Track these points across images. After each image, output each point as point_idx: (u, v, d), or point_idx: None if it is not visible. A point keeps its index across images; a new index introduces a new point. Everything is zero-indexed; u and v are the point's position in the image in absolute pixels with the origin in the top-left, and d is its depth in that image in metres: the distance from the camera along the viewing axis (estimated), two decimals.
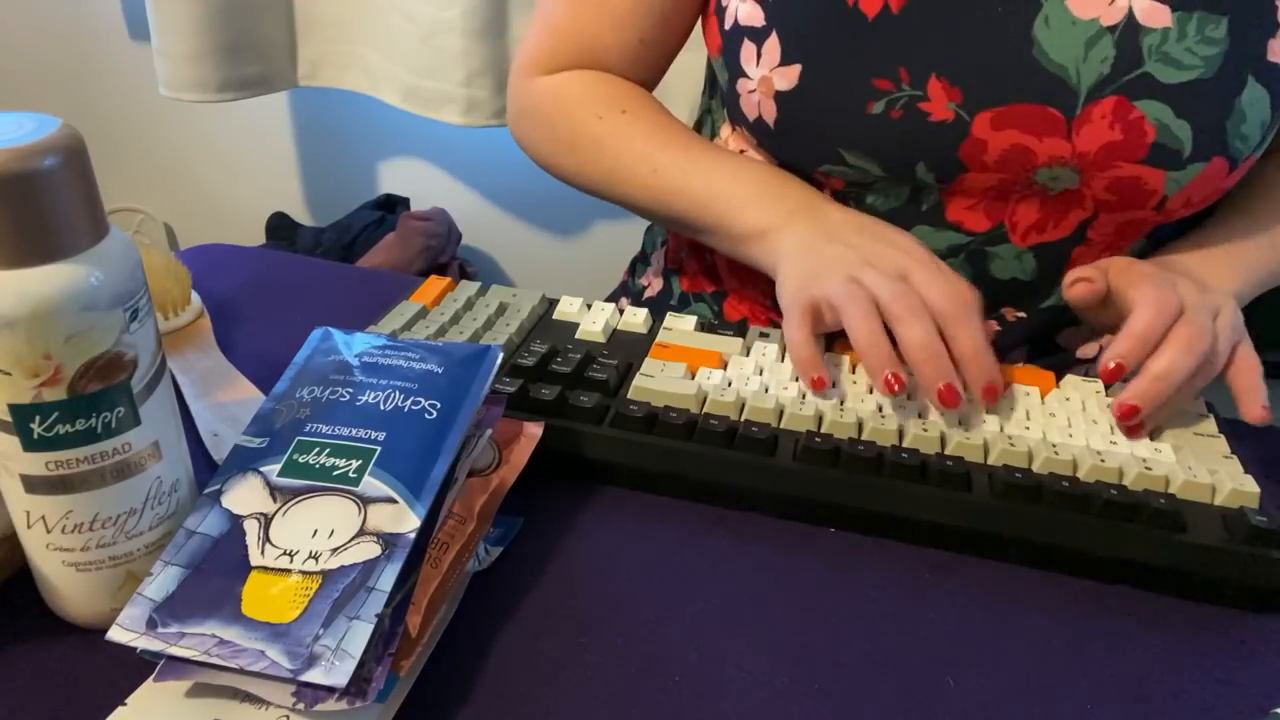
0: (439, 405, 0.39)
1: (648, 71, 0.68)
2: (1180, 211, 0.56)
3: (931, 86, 0.54)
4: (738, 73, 0.60)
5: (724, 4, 0.61)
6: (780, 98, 0.57)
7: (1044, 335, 0.64)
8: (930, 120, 0.54)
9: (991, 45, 0.53)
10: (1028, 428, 0.48)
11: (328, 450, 0.37)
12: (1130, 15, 0.52)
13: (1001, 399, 0.50)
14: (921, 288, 0.49)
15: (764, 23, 0.57)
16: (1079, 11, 0.52)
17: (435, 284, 0.58)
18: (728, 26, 0.60)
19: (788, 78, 0.56)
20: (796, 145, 0.59)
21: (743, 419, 0.47)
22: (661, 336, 0.54)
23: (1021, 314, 0.62)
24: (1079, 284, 0.53)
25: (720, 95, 0.67)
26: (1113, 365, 0.48)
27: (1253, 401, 0.48)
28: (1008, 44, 0.53)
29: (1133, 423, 0.47)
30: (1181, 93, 0.52)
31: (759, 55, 0.58)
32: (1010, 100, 0.53)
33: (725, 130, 0.68)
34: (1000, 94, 0.53)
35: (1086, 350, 0.66)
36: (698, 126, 0.75)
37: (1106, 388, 0.51)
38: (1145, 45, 0.52)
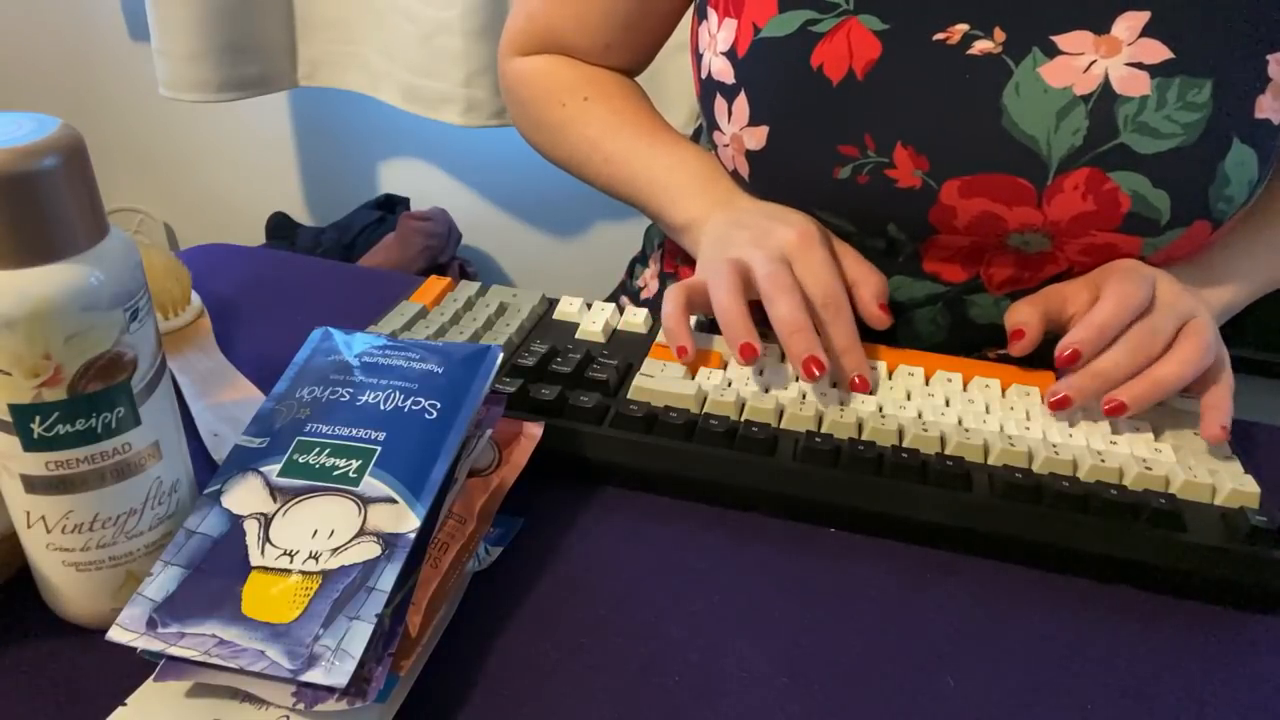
0: (439, 405, 0.39)
1: (622, 64, 0.70)
2: (1161, 265, 0.54)
3: (898, 154, 0.52)
4: (713, 124, 0.60)
5: (701, 50, 0.61)
6: (750, 156, 0.57)
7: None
8: (897, 187, 0.53)
9: (959, 113, 0.51)
10: (1028, 428, 0.47)
11: (328, 450, 0.37)
12: (1106, 83, 0.49)
13: (1002, 399, 0.50)
14: (800, 276, 0.51)
15: (734, 80, 0.57)
16: (1052, 80, 0.50)
17: (435, 284, 0.58)
18: (704, 76, 0.60)
19: (756, 138, 0.56)
20: (771, 200, 0.59)
21: (743, 419, 0.47)
22: (661, 336, 0.54)
23: (1003, 351, 0.61)
24: (1019, 344, 0.52)
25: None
26: (1068, 352, 0.48)
27: (1213, 420, 0.47)
28: (976, 112, 0.51)
29: (1063, 413, 0.48)
30: (1159, 162, 0.49)
31: (730, 113, 0.57)
32: (978, 170, 0.51)
33: None
34: (968, 163, 0.52)
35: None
36: (696, 134, 0.75)
37: (1058, 373, 0.52)
38: (1121, 115, 0.49)
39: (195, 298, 0.57)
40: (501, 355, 0.43)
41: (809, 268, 0.51)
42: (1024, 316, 0.52)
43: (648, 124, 0.65)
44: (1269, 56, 0.50)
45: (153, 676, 0.32)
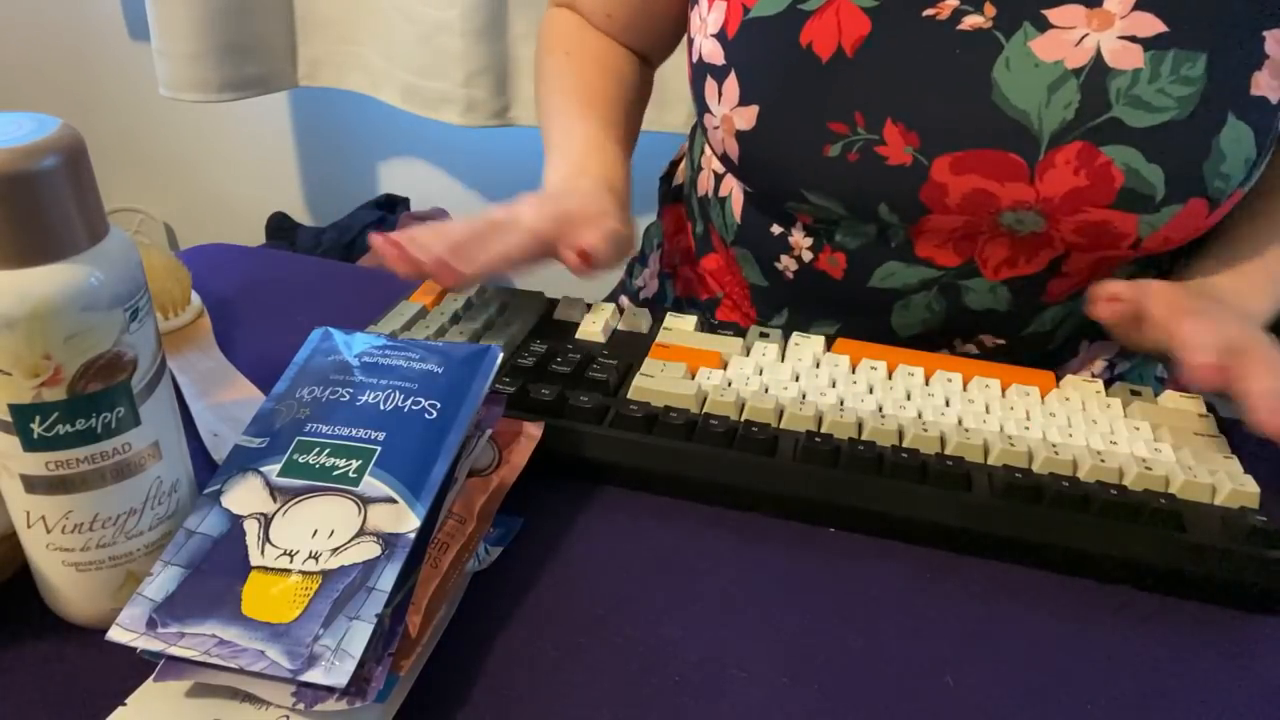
0: (439, 405, 0.39)
1: (627, 41, 0.70)
2: (1159, 249, 0.54)
3: (888, 131, 0.52)
4: (703, 108, 0.60)
5: (692, 35, 0.61)
6: (740, 137, 0.57)
7: (1034, 358, 0.62)
8: (888, 164, 0.53)
9: (949, 89, 0.51)
10: (1028, 428, 0.47)
11: (328, 450, 0.37)
12: (1098, 56, 0.49)
13: (1002, 399, 0.50)
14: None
15: (724, 61, 0.56)
16: (1042, 54, 0.50)
17: (435, 284, 0.58)
18: (694, 60, 0.60)
19: (746, 118, 0.56)
20: (761, 182, 0.59)
21: (743, 419, 0.47)
22: (661, 336, 0.54)
23: (1000, 340, 0.61)
24: (1107, 304, 0.50)
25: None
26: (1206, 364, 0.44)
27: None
28: (966, 88, 0.51)
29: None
30: (1152, 136, 0.49)
31: (720, 93, 0.57)
32: (969, 145, 0.51)
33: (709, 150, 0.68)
34: (959, 139, 0.51)
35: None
36: (694, 131, 0.75)
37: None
38: (1113, 89, 0.49)
39: (195, 298, 0.57)
40: (501, 355, 0.43)
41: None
42: (1118, 290, 0.50)
43: (588, 89, 0.66)
44: (1266, 33, 0.49)
45: (153, 676, 0.32)
